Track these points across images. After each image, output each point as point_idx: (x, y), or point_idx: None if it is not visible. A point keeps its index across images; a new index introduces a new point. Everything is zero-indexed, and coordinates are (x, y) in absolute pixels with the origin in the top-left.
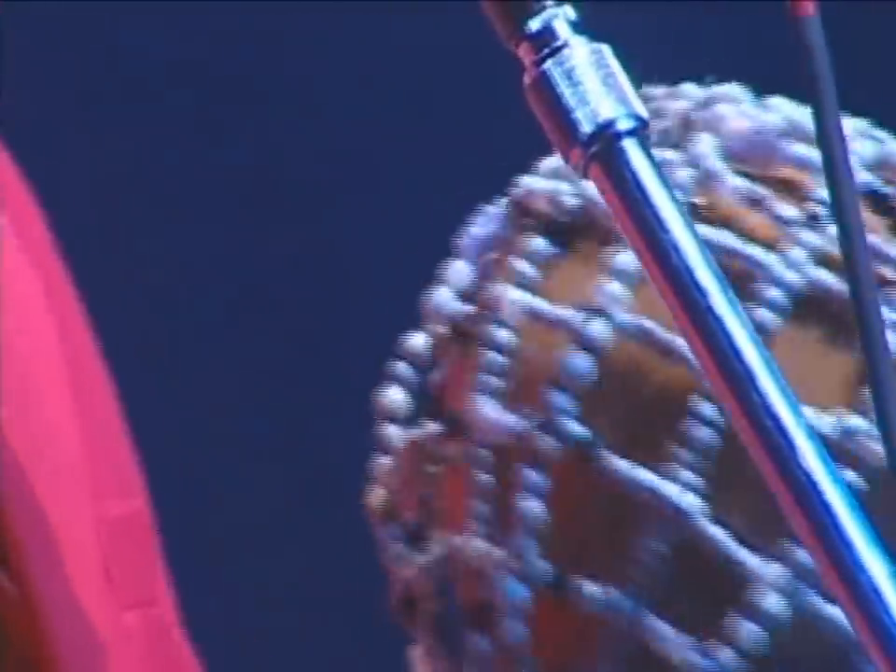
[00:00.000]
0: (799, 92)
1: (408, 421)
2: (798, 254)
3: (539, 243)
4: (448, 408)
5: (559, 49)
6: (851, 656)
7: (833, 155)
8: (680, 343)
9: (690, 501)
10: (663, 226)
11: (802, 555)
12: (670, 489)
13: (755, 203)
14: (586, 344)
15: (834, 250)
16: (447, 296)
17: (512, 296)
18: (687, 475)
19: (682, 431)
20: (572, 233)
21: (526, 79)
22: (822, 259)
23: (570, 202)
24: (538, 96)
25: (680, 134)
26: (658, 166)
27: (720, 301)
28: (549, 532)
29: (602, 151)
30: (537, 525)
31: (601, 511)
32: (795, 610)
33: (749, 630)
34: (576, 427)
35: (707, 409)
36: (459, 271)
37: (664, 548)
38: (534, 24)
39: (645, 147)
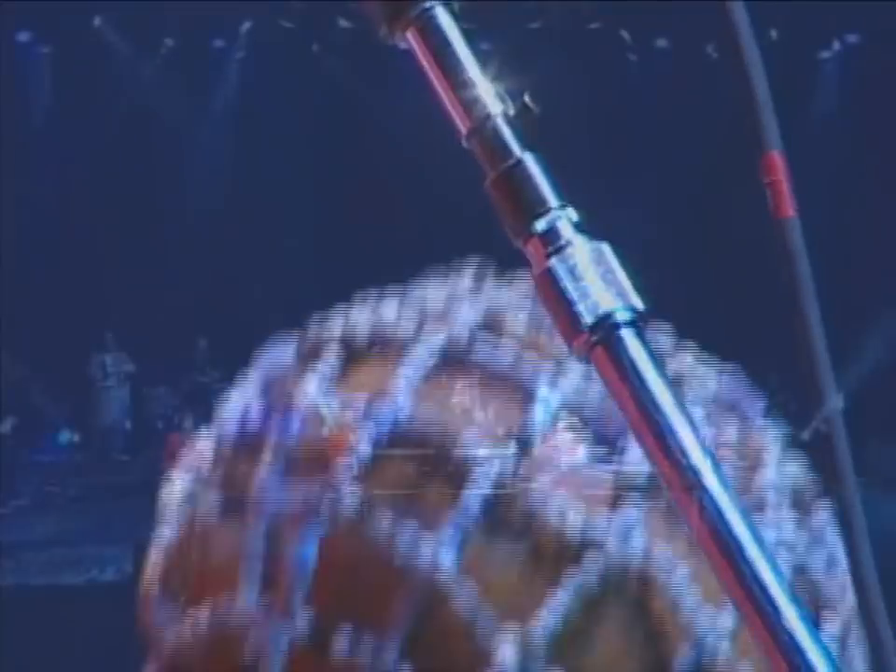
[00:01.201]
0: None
1: (190, 500)
2: None
3: (331, 355)
4: (231, 487)
5: (563, 247)
6: None
7: (815, 353)
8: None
9: (443, 561)
10: (658, 408)
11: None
12: (427, 548)
13: None
14: (369, 423)
15: None
16: (236, 407)
17: (303, 390)
18: (446, 534)
19: (453, 495)
20: (363, 348)
21: (534, 273)
22: None
23: (362, 327)
24: (544, 289)
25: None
26: (653, 352)
27: (710, 478)
28: (314, 584)
29: (603, 339)
30: (303, 577)
31: (367, 566)
32: None
33: None
34: (351, 491)
35: (483, 483)
36: (247, 390)
37: (419, 604)
38: (540, 225)
39: (641, 334)
